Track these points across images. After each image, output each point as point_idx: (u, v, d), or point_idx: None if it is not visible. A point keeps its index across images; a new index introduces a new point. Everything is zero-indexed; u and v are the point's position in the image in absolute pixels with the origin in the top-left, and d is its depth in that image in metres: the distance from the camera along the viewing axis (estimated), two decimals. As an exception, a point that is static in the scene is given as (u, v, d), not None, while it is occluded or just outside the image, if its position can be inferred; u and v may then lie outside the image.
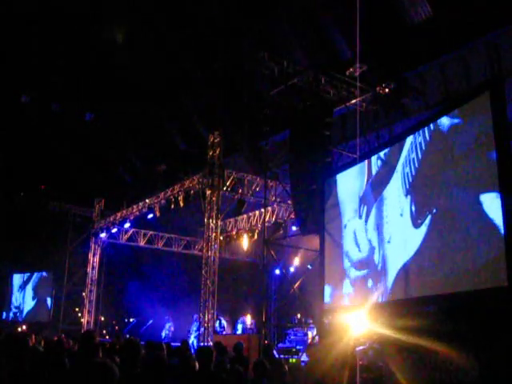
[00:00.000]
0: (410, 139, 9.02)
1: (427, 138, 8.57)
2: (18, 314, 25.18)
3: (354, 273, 10.37)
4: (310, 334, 14.27)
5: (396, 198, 9.19)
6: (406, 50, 13.86)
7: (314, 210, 12.01)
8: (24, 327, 21.79)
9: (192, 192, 16.80)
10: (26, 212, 24.02)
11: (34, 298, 24.84)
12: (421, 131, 8.69)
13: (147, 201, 19.21)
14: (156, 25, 19.41)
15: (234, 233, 19.81)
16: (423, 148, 8.60)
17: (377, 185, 9.98)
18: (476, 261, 7.18)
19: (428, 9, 13.63)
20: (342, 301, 10.67)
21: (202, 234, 18.18)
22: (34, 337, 12.58)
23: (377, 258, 9.64)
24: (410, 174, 8.89)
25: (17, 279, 25.91)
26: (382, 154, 10.03)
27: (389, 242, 9.30)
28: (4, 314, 25.75)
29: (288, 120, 13.83)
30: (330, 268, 11.23)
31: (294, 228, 16.28)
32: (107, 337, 21.74)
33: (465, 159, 7.62)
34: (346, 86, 13.71)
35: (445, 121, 8.22)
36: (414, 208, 8.66)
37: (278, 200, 16.87)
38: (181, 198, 16.99)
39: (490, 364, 6.63)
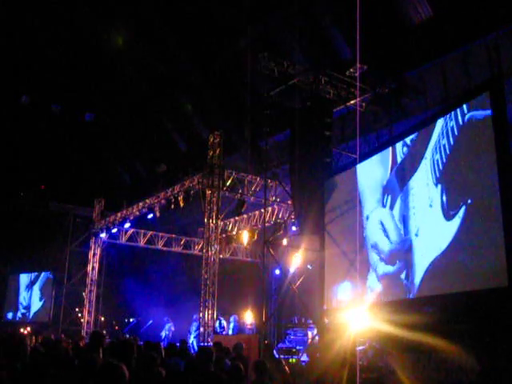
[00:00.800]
0: (440, 124, 8.38)
1: (460, 122, 7.93)
2: (27, 314, 25.14)
3: (382, 268, 9.70)
4: (309, 334, 14.26)
5: (424, 187, 8.57)
6: (406, 50, 13.86)
7: (314, 211, 12.01)
8: (28, 328, 21.76)
9: (192, 192, 16.79)
10: (26, 212, 24.02)
11: (41, 299, 24.79)
12: (453, 115, 8.04)
13: (147, 201, 19.21)
14: (156, 25, 19.42)
15: (234, 233, 19.81)
16: (456, 133, 7.98)
17: (402, 173, 9.35)
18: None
19: (428, 9, 13.64)
20: (366, 297, 10.00)
21: (201, 234, 18.17)
22: (34, 337, 12.62)
23: (408, 249, 9.01)
24: (440, 162, 8.24)
25: (21, 279, 25.83)
26: (408, 140, 9.30)
27: (416, 235, 8.70)
28: (11, 315, 25.72)
29: (288, 120, 13.83)
30: (339, 266, 10.97)
31: (293, 228, 16.28)
32: (107, 337, 21.73)
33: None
34: (346, 86, 13.70)
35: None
36: (445, 198, 8.03)
37: (278, 200, 16.87)
38: (181, 198, 16.98)
39: (490, 364, 6.63)
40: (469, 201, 7.60)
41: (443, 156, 8.21)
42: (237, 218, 19.18)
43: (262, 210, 16.42)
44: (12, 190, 24.52)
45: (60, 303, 23.24)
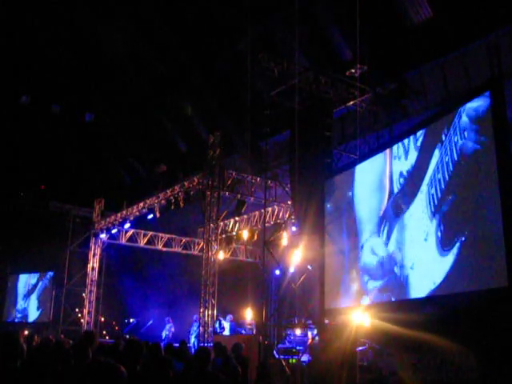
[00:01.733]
0: (435, 158, 8.32)
1: (455, 157, 7.87)
2: (23, 320, 25.05)
3: (372, 284, 9.77)
4: (309, 335, 14.25)
5: (420, 220, 8.53)
6: (406, 50, 13.85)
7: (314, 211, 12.00)
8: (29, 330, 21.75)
9: (192, 193, 16.78)
10: (26, 212, 23.99)
11: (38, 308, 24.72)
12: (448, 150, 8.02)
13: (147, 201, 19.20)
14: (156, 25, 19.41)
15: (234, 233, 19.79)
16: (451, 169, 7.93)
17: (399, 205, 9.30)
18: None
19: (428, 9, 13.63)
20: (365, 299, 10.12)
21: (202, 234, 18.16)
22: (36, 337, 12.59)
23: (397, 271, 9.08)
24: (435, 196, 8.21)
25: (20, 283, 25.69)
26: (404, 171, 9.28)
27: (412, 268, 8.68)
28: (10, 317, 25.63)
29: (288, 120, 13.82)
30: (339, 266, 11.01)
31: (293, 228, 16.27)
32: (107, 337, 21.70)
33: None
34: (346, 86, 13.69)
35: (474, 138, 7.56)
36: (440, 233, 7.99)
37: (278, 200, 16.86)
38: (181, 198, 16.97)
39: (490, 364, 6.62)
40: (463, 238, 7.56)
41: (438, 191, 8.18)
42: (237, 218, 19.17)
43: (262, 211, 16.41)
44: (12, 190, 24.50)
45: (60, 304, 23.20)
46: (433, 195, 8.28)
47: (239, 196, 16.61)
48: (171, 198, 17.48)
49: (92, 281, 22.00)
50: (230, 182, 16.32)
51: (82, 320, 21.93)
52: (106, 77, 21.34)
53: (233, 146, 19.28)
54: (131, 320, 23.34)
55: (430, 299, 8.20)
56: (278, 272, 18.48)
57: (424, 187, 8.53)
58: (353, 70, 13.39)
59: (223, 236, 18.95)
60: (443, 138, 8.19)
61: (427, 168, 8.49)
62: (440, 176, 8.15)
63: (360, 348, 9.85)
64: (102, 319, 23.15)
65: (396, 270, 9.11)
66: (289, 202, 15.50)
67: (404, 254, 8.92)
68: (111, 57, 20.95)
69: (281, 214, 17.52)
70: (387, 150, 9.98)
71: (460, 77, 13.56)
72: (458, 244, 7.58)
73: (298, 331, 14.81)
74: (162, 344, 9.31)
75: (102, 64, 20.97)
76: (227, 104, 19.76)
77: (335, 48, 15.94)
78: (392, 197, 9.57)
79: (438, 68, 14.26)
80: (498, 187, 6.91)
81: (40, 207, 23.98)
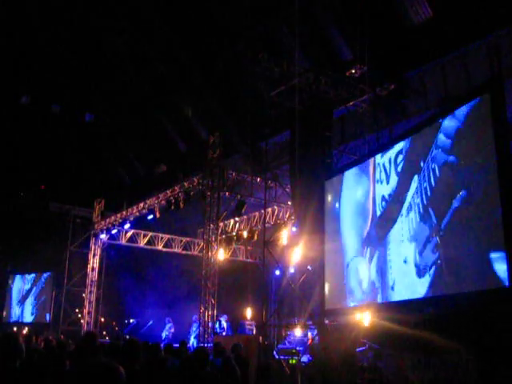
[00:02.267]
0: (414, 183, 8.58)
1: (432, 183, 8.11)
2: (20, 320, 25.07)
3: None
4: (309, 335, 14.23)
5: (400, 243, 8.85)
6: (406, 51, 13.84)
7: (314, 211, 11.99)
8: (26, 329, 21.71)
9: (192, 193, 16.78)
10: (26, 212, 23.98)
11: (32, 314, 24.74)
12: (426, 176, 8.24)
13: (147, 202, 19.19)
14: (156, 25, 19.41)
15: (234, 234, 19.76)
16: (428, 194, 8.19)
17: (381, 227, 9.60)
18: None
19: (428, 9, 13.62)
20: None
21: (202, 234, 18.14)
22: (34, 337, 12.58)
23: (380, 292, 9.46)
24: (414, 220, 8.50)
25: (16, 289, 25.65)
26: (386, 195, 9.55)
27: (392, 288, 8.99)
28: (9, 316, 25.62)
29: (288, 121, 13.81)
30: (339, 266, 11.11)
31: (293, 229, 16.25)
32: (107, 338, 21.69)
33: (475, 211, 7.19)
34: (346, 86, 13.68)
35: (449, 166, 7.77)
36: (418, 256, 8.29)
37: (278, 201, 16.84)
38: (181, 199, 16.96)
39: (489, 364, 6.61)
40: (438, 261, 7.80)
41: (417, 215, 8.46)
42: (237, 218, 19.15)
43: (262, 211, 16.40)
44: (12, 190, 24.50)
45: (60, 304, 23.17)
46: (412, 219, 8.59)
47: (239, 196, 16.60)
48: (171, 198, 17.47)
49: (92, 281, 21.98)
50: (230, 182, 16.31)
51: (82, 320, 21.92)
52: (106, 77, 21.35)
53: (233, 147, 19.26)
54: (131, 320, 23.32)
55: (429, 300, 8.20)
56: (277, 272, 18.47)
57: (404, 211, 8.83)
58: (353, 70, 13.39)
59: (223, 236, 18.92)
60: (421, 164, 8.49)
61: (407, 193, 8.80)
62: (418, 201, 8.44)
63: (360, 348, 9.84)
64: (102, 320, 23.13)
65: (379, 291, 9.48)
66: (289, 202, 15.49)
67: (386, 275, 9.19)
68: (111, 57, 20.96)
69: (281, 214, 17.51)
70: (371, 173, 10.20)
71: (460, 77, 13.55)
72: (434, 267, 7.86)
73: (297, 332, 14.78)
74: (161, 344, 9.32)
75: (102, 64, 20.98)
76: (227, 104, 19.75)
77: (335, 48, 15.93)
78: (375, 220, 9.87)
79: (438, 68, 14.24)
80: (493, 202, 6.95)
81: (40, 207, 23.95)
